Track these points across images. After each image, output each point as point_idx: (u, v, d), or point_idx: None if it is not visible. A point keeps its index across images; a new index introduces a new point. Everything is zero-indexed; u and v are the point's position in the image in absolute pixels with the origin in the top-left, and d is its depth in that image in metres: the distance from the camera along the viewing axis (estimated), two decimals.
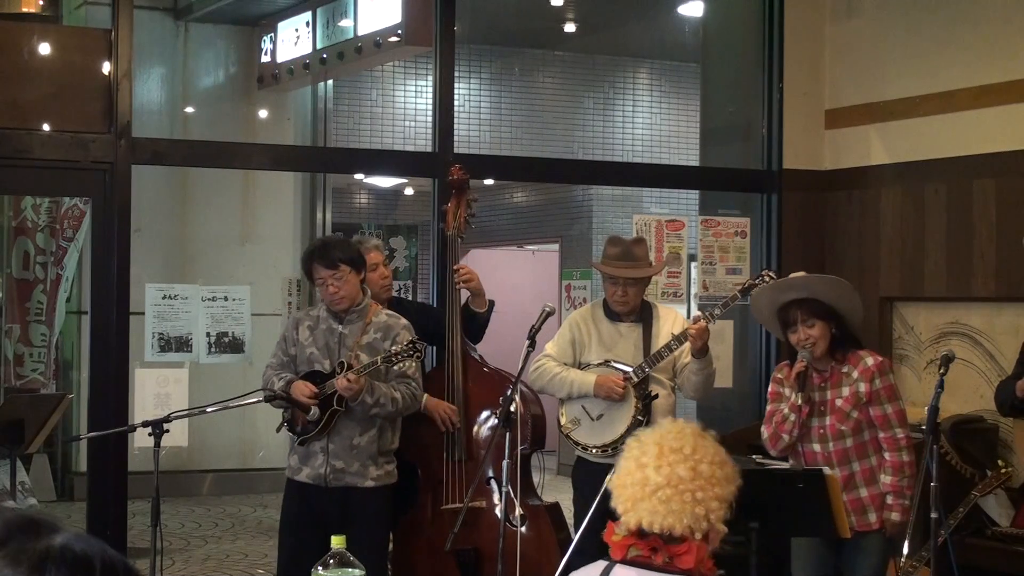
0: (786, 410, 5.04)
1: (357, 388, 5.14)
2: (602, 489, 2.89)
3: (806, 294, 5.04)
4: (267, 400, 5.15)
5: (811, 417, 5.04)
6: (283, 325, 6.03)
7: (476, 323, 5.79)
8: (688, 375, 5.52)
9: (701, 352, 5.40)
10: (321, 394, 5.24)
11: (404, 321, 5.41)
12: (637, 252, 5.62)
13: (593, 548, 2.88)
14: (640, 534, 2.70)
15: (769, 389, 5.24)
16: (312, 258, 5.32)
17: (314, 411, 5.24)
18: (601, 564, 2.75)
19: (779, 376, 5.19)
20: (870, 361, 5.05)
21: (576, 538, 3.49)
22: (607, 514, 2.81)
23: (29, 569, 1.58)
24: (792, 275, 5.37)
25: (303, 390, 5.24)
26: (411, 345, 5.13)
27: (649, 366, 5.46)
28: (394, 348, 5.17)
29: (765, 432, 5.14)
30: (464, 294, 5.83)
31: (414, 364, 5.31)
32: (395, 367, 5.22)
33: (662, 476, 2.67)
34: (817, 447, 5.06)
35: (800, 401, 4.98)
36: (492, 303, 5.85)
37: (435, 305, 6.38)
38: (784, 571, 5.28)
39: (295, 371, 5.39)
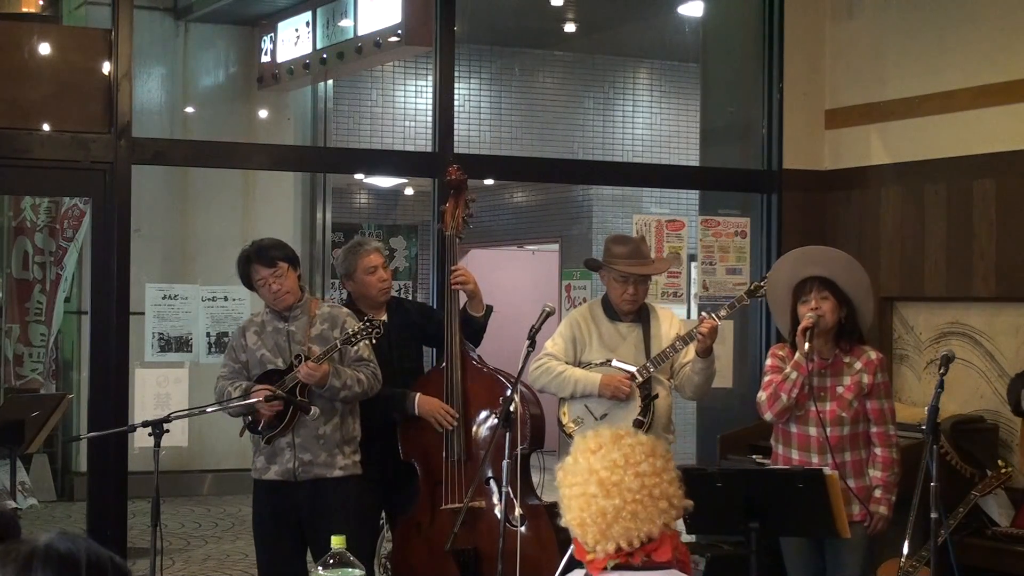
0: (788, 369, 5.06)
1: (320, 374, 5.16)
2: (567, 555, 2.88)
3: (827, 274, 5.09)
4: (267, 400, 5.14)
5: (809, 401, 5.07)
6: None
7: (472, 327, 5.78)
8: (690, 375, 5.52)
9: (706, 352, 5.41)
10: (283, 388, 5.24)
11: (346, 310, 5.50)
12: (644, 250, 5.68)
13: None
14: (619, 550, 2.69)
15: (768, 363, 5.24)
16: (249, 261, 5.37)
17: (314, 411, 5.23)
18: (580, 572, 2.75)
19: (780, 353, 5.21)
20: (873, 355, 5.15)
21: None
22: None
23: (16, 569, 1.59)
24: (821, 247, 5.45)
25: (262, 392, 5.21)
26: (369, 323, 5.18)
27: (654, 366, 5.47)
28: (350, 329, 5.20)
29: (763, 394, 5.14)
30: (463, 297, 5.83)
31: (368, 347, 5.34)
32: (354, 348, 5.26)
33: (616, 499, 2.65)
34: (813, 431, 5.08)
35: (805, 353, 4.97)
36: (490, 308, 5.84)
37: (434, 306, 6.38)
38: (784, 571, 5.28)
39: (248, 376, 5.38)
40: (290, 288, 5.34)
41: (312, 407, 5.23)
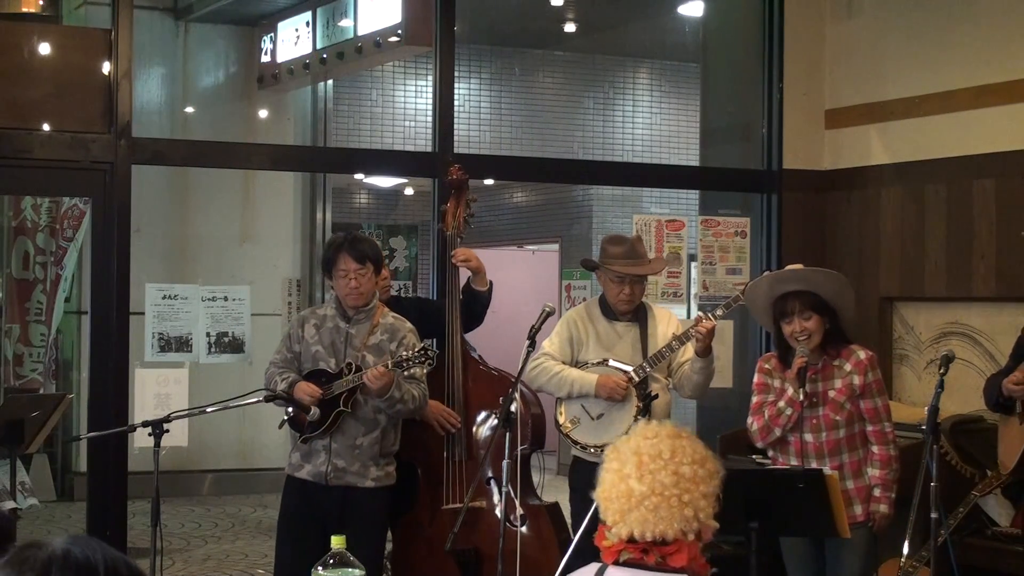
0: (782, 404, 5.07)
1: (388, 380, 5.14)
2: (591, 508, 2.88)
3: (805, 287, 5.07)
4: (267, 400, 5.14)
5: (803, 407, 5.07)
6: (285, 324, 6.02)
7: (479, 303, 5.78)
8: (689, 375, 5.52)
9: (705, 351, 5.41)
10: (327, 394, 5.24)
11: (409, 324, 5.43)
12: (640, 250, 5.67)
13: (592, 549, 2.88)
14: (631, 540, 2.70)
15: (755, 380, 5.25)
16: (342, 248, 5.34)
17: (314, 411, 5.23)
18: (594, 566, 2.75)
19: (767, 367, 5.22)
20: (862, 355, 5.13)
21: (575, 539, 3.49)
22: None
23: None
24: (790, 266, 5.43)
25: (307, 391, 5.24)
26: (423, 352, 5.13)
27: (651, 366, 5.47)
28: (403, 353, 5.17)
29: (754, 424, 5.16)
30: (464, 276, 5.82)
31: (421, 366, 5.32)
32: (405, 373, 5.24)
33: (645, 486, 2.66)
34: (809, 437, 5.10)
35: (800, 397, 5.00)
36: (491, 283, 5.86)
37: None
38: (784, 571, 5.28)
39: (299, 368, 5.39)
40: (366, 290, 5.33)
41: (312, 408, 5.23)
